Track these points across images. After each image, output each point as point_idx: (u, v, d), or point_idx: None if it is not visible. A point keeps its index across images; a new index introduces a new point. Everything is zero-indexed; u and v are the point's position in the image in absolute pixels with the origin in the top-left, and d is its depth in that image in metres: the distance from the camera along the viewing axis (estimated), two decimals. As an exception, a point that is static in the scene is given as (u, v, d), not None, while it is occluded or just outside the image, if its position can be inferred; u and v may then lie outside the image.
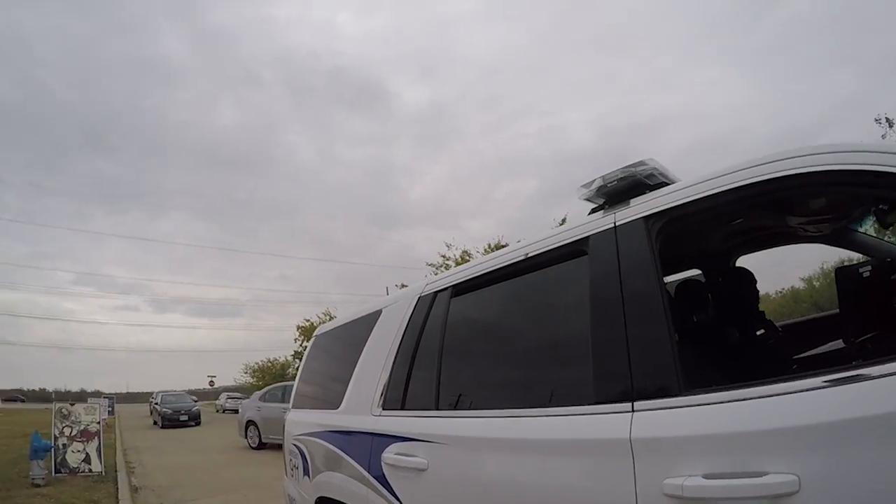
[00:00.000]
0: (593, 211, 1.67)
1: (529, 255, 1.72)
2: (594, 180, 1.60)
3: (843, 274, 1.91)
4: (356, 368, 2.34)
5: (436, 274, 21.17)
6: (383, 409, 2.07)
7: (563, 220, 15.78)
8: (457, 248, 21.20)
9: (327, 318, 28.46)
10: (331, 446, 2.31)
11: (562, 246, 1.64)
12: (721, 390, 1.16)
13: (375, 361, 2.21)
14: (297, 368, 3.16)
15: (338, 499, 2.21)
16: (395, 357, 2.10)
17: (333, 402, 2.40)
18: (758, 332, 2.46)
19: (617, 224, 1.51)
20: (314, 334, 3.13)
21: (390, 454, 1.89)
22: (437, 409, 1.82)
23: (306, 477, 2.52)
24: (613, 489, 1.22)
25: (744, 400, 1.12)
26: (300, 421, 2.75)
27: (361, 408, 2.19)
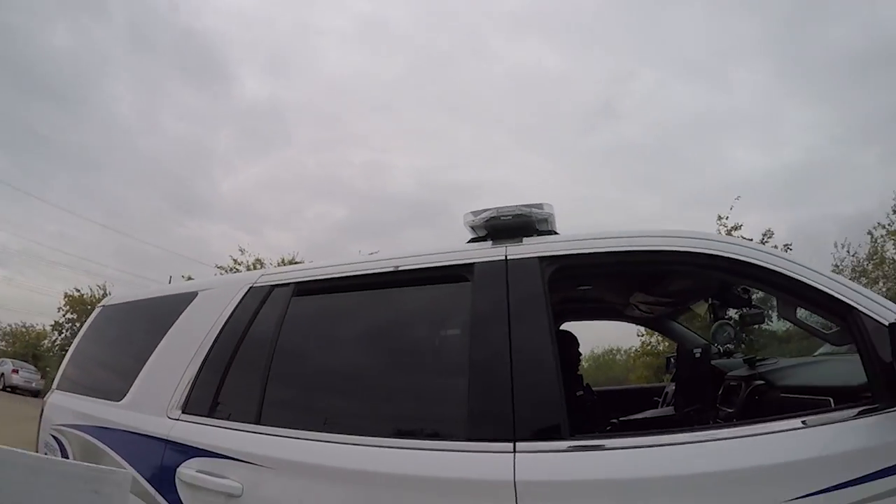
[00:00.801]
0: (473, 241, 1.66)
1: (400, 268, 1.60)
2: (486, 210, 1.58)
3: (680, 354, 2.32)
4: (153, 356, 1.81)
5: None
6: (184, 411, 1.61)
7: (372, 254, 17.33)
8: (251, 255, 20.30)
9: (102, 292, 24.55)
10: (105, 447, 1.71)
11: (441, 267, 1.56)
12: (605, 437, 1.28)
13: (180, 352, 1.75)
14: (56, 342, 2.48)
15: None
16: (209, 352, 1.67)
17: (115, 393, 1.80)
18: (577, 393, 2.68)
19: (509, 258, 1.48)
20: (102, 304, 2.42)
21: (189, 470, 1.46)
22: (260, 423, 1.50)
23: None
24: None
25: (631, 448, 1.20)
26: (66, 407, 2.02)
27: (153, 406, 1.67)
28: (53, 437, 2.03)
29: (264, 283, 1.76)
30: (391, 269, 1.60)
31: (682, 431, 1.26)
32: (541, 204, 1.57)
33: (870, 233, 17.02)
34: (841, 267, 17.28)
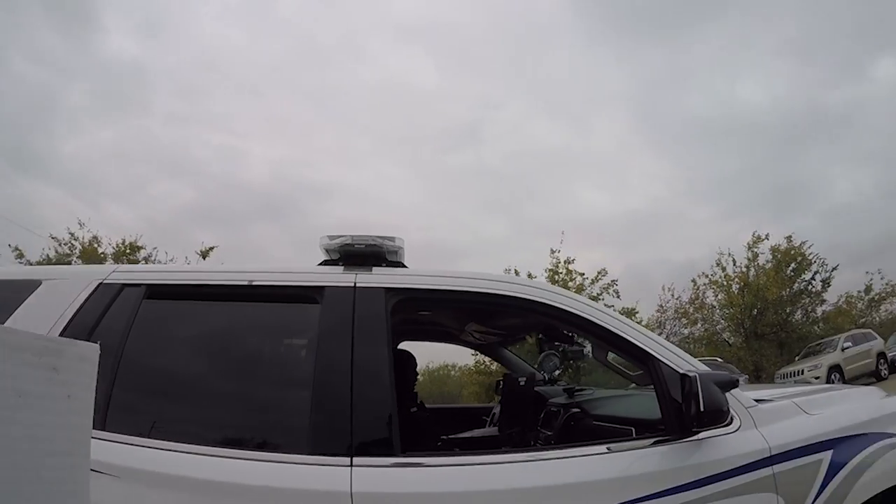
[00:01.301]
0: (325, 263, 1.77)
1: (254, 282, 1.63)
2: (342, 236, 1.67)
3: (507, 380, 2.56)
4: None
5: (59, 251, 16.60)
6: None
7: (210, 249, 17.08)
8: (88, 231, 17.51)
9: None
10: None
11: (293, 286, 1.65)
12: (427, 456, 1.42)
13: None
14: None
15: None
16: None
17: None
18: (412, 410, 2.75)
19: (357, 285, 1.58)
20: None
21: None
22: (104, 428, 1.39)
23: None
24: None
25: (449, 466, 1.38)
26: None
27: None
28: None
29: (115, 281, 1.68)
30: (245, 283, 1.63)
31: (499, 452, 1.49)
32: (393, 237, 1.70)
33: (694, 280, 20.39)
34: (665, 307, 20.52)
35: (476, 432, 2.96)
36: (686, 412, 1.38)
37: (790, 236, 19.62)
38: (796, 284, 19.56)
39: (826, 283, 19.71)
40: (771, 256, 19.52)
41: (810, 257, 19.48)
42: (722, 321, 20.33)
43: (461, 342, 3.30)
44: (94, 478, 1.25)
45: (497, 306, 1.83)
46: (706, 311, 20.26)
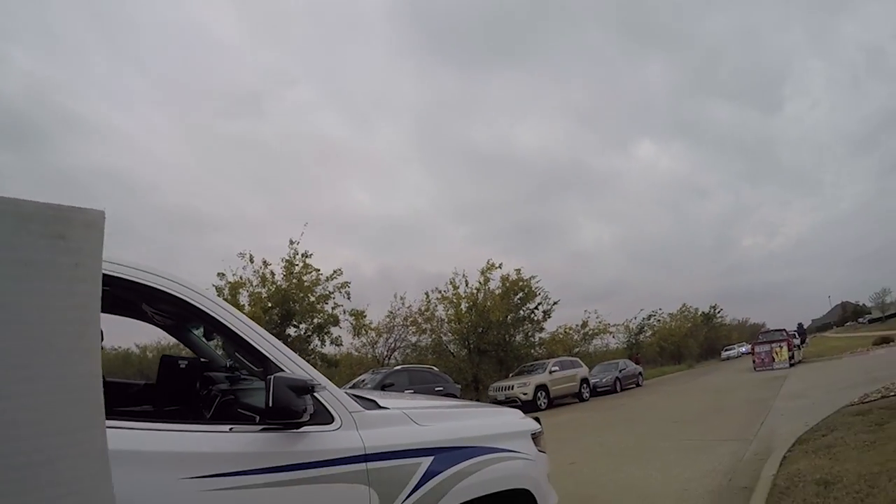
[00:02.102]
0: None
1: None
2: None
3: (166, 360, 2.65)
4: None
5: None
6: None
7: None
8: None
9: None
10: None
11: None
12: None
13: None
14: None
15: None
16: None
17: None
18: None
19: None
20: None
21: None
22: None
23: None
24: None
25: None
26: None
27: None
28: None
29: None
30: None
31: (136, 419, 1.48)
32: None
33: (427, 294, 21.96)
34: (395, 314, 21.59)
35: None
36: (265, 406, 1.57)
37: (519, 269, 22.40)
38: (521, 311, 22.35)
39: (547, 313, 22.87)
40: (500, 283, 21.82)
41: (535, 290, 22.38)
42: (450, 334, 22.08)
43: (150, 321, 3.14)
44: None
45: (135, 293, 1.76)
46: (435, 324, 21.77)
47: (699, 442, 6.91)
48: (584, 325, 27.94)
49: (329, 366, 17.21)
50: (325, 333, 17.36)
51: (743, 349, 39.52)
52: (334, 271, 17.39)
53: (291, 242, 16.71)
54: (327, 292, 17.35)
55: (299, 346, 16.37)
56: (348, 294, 17.60)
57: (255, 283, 16.56)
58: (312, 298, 16.96)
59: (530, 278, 22.74)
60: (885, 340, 24.19)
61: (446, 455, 1.98)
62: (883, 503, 3.13)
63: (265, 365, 1.75)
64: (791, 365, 19.76)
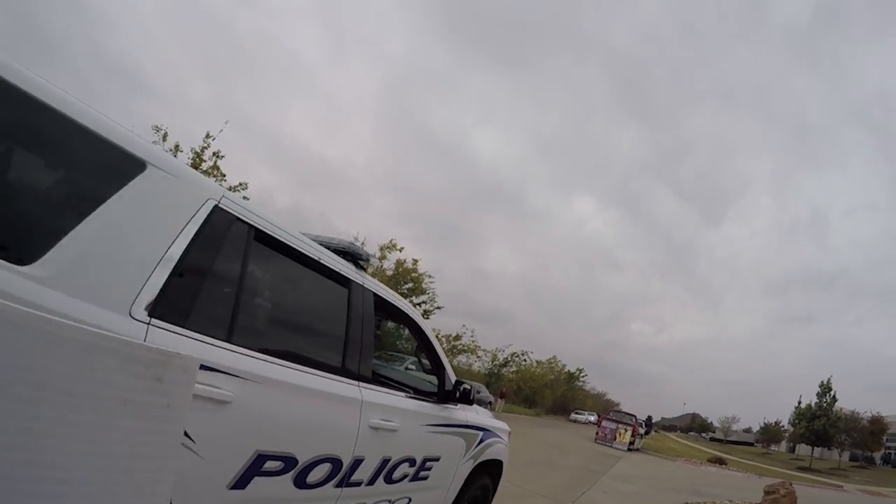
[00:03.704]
0: (353, 263, 2.49)
1: (321, 260, 2.19)
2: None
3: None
4: (88, 221, 1.33)
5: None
6: (152, 315, 1.42)
7: None
8: None
9: None
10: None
11: (332, 271, 2.27)
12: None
13: (140, 241, 1.45)
14: None
15: None
16: (184, 255, 1.55)
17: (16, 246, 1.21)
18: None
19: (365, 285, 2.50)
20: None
21: None
22: (231, 342, 1.69)
23: None
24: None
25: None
26: None
27: (102, 293, 1.32)
28: None
29: (229, 209, 1.75)
30: (314, 259, 2.14)
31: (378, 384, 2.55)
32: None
33: None
34: None
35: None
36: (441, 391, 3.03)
37: (417, 261, 21.55)
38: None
39: (427, 314, 22.09)
40: (395, 267, 21.06)
41: (425, 288, 21.86)
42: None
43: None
44: (241, 383, 1.60)
45: (386, 311, 2.84)
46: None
47: (518, 489, 6.68)
48: (458, 337, 27.56)
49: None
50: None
51: (592, 418, 40.55)
52: (240, 183, 15.46)
53: (208, 135, 15.49)
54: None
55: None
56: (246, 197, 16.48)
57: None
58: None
59: (425, 273, 22.39)
60: (719, 461, 24.79)
61: (487, 432, 3.53)
62: None
63: (436, 365, 3.10)
64: (629, 450, 20.43)
